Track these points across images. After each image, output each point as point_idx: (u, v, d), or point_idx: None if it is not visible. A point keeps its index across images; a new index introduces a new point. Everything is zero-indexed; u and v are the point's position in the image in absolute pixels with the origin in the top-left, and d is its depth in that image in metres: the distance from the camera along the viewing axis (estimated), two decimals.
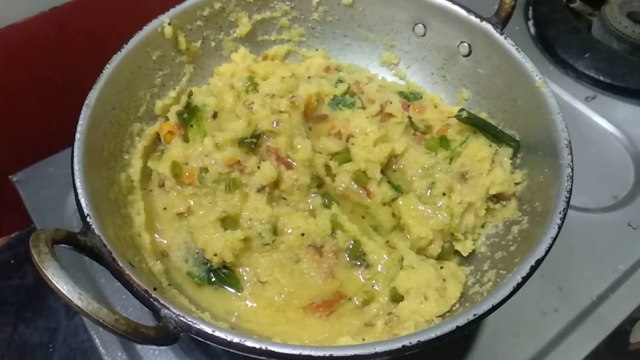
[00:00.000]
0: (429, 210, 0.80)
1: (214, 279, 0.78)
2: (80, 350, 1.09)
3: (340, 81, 0.96)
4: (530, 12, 1.34)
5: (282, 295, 0.77)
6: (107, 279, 0.93)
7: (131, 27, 0.86)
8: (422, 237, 0.79)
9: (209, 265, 0.79)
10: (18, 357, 1.08)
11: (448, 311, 0.72)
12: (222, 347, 0.59)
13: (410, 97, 0.97)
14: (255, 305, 0.77)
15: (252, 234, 0.78)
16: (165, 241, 0.82)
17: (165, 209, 0.83)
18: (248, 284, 0.78)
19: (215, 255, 0.76)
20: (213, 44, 0.97)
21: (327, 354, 0.56)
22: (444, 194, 0.82)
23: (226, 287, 0.78)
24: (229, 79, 0.95)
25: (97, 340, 0.87)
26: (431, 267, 0.76)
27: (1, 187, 1.09)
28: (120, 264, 0.63)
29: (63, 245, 0.62)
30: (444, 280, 0.75)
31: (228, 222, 0.79)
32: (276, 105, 0.85)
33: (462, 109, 0.86)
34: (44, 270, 0.54)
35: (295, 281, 0.78)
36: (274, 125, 0.84)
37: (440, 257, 0.82)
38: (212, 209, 0.79)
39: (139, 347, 0.87)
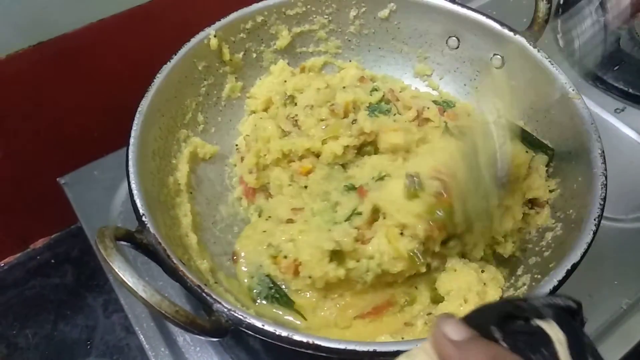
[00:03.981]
0: None
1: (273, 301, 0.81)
2: (117, 348, 1.13)
3: (375, 90, 1.00)
4: (559, 25, 1.36)
5: (338, 306, 0.79)
6: (150, 277, 0.97)
7: (176, 38, 0.90)
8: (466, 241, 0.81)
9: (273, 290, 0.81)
10: (57, 353, 1.12)
11: None
12: (270, 341, 0.62)
13: (443, 105, 1.00)
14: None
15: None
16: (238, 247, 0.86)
17: None
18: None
19: None
20: (254, 55, 1.01)
21: (371, 349, 0.59)
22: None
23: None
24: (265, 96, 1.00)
25: (142, 336, 0.91)
26: (473, 271, 0.78)
27: (45, 190, 1.14)
28: (175, 261, 0.66)
29: (122, 242, 0.66)
30: (484, 284, 0.77)
31: None
32: (317, 115, 0.89)
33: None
34: (110, 264, 0.57)
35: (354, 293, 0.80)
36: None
37: (482, 260, 0.84)
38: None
39: (180, 343, 0.91)
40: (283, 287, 0.82)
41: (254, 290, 0.81)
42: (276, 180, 0.91)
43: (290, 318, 0.79)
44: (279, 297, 0.80)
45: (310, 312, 0.79)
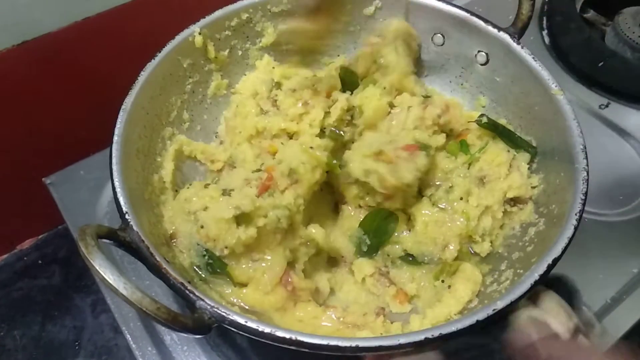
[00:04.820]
0: (446, 216, 0.84)
1: None
2: (105, 348, 1.12)
3: None
4: (544, 22, 1.37)
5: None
6: (137, 277, 0.96)
7: (161, 35, 0.90)
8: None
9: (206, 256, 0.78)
10: (45, 354, 1.12)
11: (466, 309, 0.76)
12: (253, 337, 0.62)
13: None
14: None
15: None
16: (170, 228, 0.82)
17: None
18: None
19: None
20: (240, 52, 1.01)
21: (354, 344, 0.60)
22: (461, 199, 0.85)
23: None
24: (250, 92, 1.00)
25: (129, 336, 0.91)
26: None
27: (32, 190, 1.14)
28: (158, 259, 0.66)
29: (105, 240, 0.65)
30: (449, 287, 0.79)
31: None
32: (299, 96, 0.89)
33: (482, 115, 0.90)
34: (91, 261, 0.57)
35: None
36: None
37: (458, 259, 0.85)
38: None
39: (168, 342, 0.91)
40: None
41: (194, 267, 0.77)
42: (240, 154, 0.90)
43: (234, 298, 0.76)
44: (212, 262, 0.76)
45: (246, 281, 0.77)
